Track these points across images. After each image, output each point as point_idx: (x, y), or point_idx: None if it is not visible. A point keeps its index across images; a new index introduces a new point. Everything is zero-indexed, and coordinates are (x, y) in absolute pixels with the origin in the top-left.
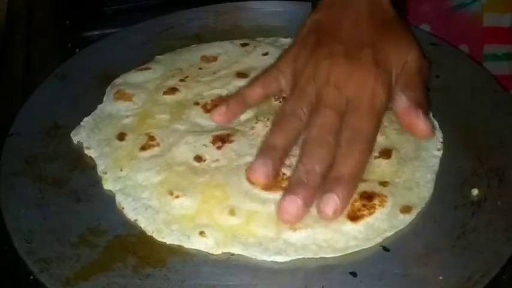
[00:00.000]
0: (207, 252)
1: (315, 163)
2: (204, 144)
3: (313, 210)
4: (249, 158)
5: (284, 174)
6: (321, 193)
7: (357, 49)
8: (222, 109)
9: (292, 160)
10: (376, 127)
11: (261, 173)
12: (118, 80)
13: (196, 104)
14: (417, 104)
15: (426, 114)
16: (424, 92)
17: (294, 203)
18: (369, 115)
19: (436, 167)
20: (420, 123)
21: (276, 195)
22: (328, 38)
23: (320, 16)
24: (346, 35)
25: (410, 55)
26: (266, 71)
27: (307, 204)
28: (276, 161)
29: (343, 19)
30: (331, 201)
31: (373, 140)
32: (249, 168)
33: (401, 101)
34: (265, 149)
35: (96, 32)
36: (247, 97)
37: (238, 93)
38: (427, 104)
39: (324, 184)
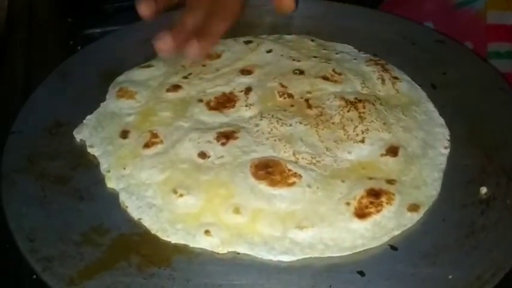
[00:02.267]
0: (212, 251)
1: (191, 18)
2: (208, 141)
3: (320, 208)
4: (254, 155)
5: (290, 170)
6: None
7: None
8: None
9: (298, 157)
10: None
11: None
12: (120, 78)
13: (200, 101)
14: None
15: None
16: None
17: (164, 42)
18: None
19: (443, 165)
20: None
21: (282, 191)
22: None
23: None
24: None
25: None
26: None
27: (178, 44)
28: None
29: None
30: (193, 47)
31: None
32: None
33: None
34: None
35: (98, 30)
36: None
37: None
38: None
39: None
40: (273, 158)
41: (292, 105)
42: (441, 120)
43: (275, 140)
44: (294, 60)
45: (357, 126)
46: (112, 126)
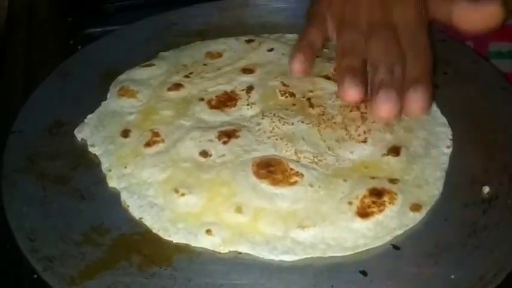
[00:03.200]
0: (213, 251)
1: (391, 68)
2: (210, 140)
3: (322, 207)
4: (256, 154)
5: (292, 169)
6: (404, 95)
7: None
8: (300, 57)
9: (299, 156)
10: (428, 36)
11: (354, 91)
12: (122, 77)
13: (201, 100)
14: None
15: None
16: None
17: (389, 97)
18: (420, 27)
19: (445, 165)
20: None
21: (284, 190)
22: None
23: None
24: None
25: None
26: (309, 20)
27: (398, 100)
28: (360, 77)
29: None
30: (417, 96)
31: (430, 47)
32: (340, 91)
33: (460, 3)
34: (344, 71)
35: (99, 29)
36: (313, 43)
37: (302, 44)
38: None
39: (404, 87)
40: (275, 157)
41: (294, 104)
42: (443, 120)
43: (277, 139)
44: None
45: (359, 127)
46: (113, 125)
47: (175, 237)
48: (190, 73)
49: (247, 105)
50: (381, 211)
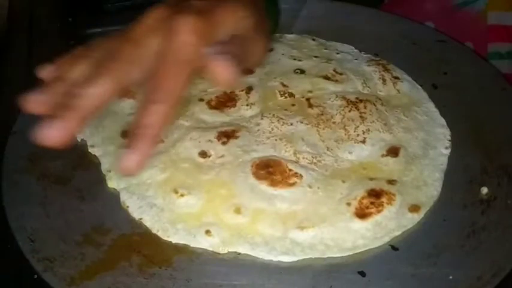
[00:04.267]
0: (213, 251)
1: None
2: (209, 140)
3: (321, 208)
4: (255, 154)
5: (291, 170)
6: None
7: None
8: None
9: (298, 156)
10: (181, 78)
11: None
12: None
13: (201, 100)
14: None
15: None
16: (237, 54)
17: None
18: (175, 66)
19: (444, 166)
20: (220, 67)
21: (282, 191)
22: None
23: None
24: None
25: (241, 23)
26: None
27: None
28: None
29: None
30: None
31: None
32: None
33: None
34: None
35: (99, 29)
36: None
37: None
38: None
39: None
40: (274, 158)
41: (293, 105)
42: (442, 121)
43: (276, 140)
44: (295, 59)
45: (358, 127)
46: (113, 126)
47: (175, 237)
48: None
49: (247, 105)
50: (379, 212)
